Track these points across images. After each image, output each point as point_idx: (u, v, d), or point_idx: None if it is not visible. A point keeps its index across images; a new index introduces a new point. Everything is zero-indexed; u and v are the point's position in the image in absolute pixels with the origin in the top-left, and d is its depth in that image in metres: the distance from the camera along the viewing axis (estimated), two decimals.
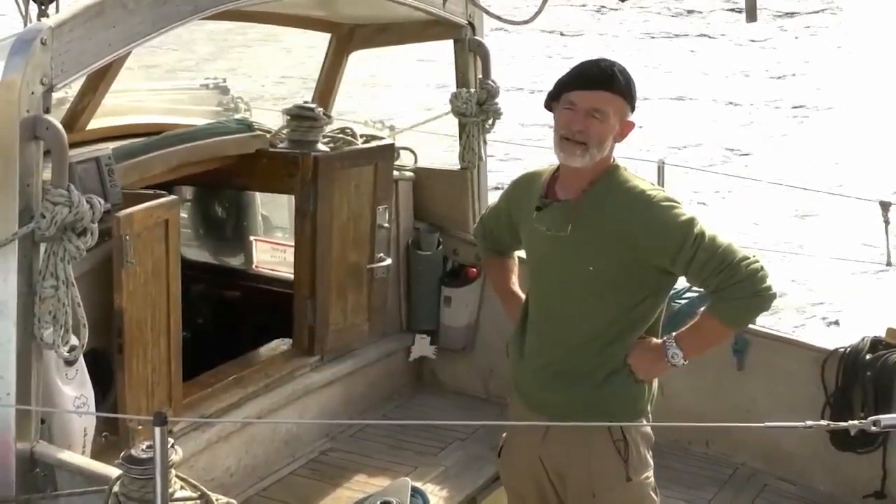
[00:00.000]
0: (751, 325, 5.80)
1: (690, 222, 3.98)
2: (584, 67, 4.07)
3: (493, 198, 7.14)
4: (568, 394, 4.13)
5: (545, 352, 4.20)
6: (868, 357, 5.38)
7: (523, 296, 4.43)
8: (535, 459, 4.23)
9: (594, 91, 3.99)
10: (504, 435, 4.46)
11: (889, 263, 6.54)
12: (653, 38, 27.85)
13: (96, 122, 5.63)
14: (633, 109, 4.09)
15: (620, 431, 4.11)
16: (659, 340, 4.17)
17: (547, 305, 4.22)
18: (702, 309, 4.27)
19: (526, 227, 4.26)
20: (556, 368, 4.16)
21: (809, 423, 3.22)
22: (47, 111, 3.93)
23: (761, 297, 3.99)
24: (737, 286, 3.96)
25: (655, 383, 4.28)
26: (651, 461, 4.23)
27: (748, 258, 3.99)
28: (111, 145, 5.14)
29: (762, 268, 3.99)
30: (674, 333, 4.14)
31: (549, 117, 4.14)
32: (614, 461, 4.11)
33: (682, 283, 6.26)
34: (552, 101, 4.11)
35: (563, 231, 4.06)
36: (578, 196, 4.07)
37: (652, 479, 4.24)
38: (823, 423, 3.51)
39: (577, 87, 4.02)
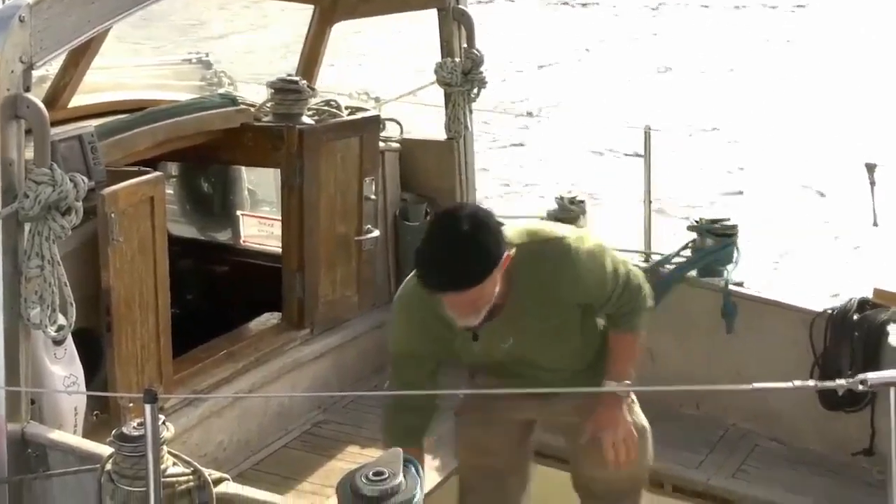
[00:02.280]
0: (739, 289, 5.85)
1: (604, 264, 4.11)
2: (444, 274, 3.82)
3: (481, 166, 7.19)
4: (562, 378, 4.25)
5: (525, 381, 4.28)
6: (855, 317, 5.40)
7: None
8: (526, 418, 4.41)
9: (462, 291, 3.81)
10: (462, 395, 4.52)
11: (875, 224, 6.53)
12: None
13: (78, 100, 5.60)
14: (500, 258, 3.83)
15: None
16: (612, 395, 4.23)
17: (521, 369, 4.26)
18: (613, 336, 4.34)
19: (452, 349, 4.17)
20: (539, 382, 4.25)
21: (798, 383, 3.23)
22: (28, 89, 3.91)
23: (647, 300, 4.29)
24: (639, 300, 4.25)
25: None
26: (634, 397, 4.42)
27: (636, 273, 4.24)
28: (94, 122, 5.12)
29: (641, 275, 4.28)
30: (606, 378, 4.24)
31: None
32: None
33: (666, 249, 6.33)
34: None
35: (504, 342, 4.10)
36: (503, 302, 3.97)
37: (638, 414, 4.43)
38: (811, 383, 3.52)
39: (445, 291, 3.85)
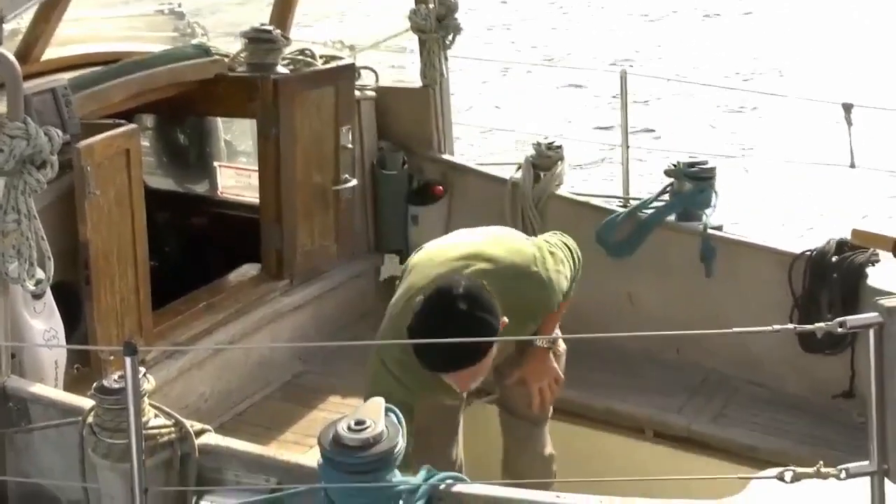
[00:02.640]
0: (717, 233, 5.86)
1: (564, 282, 4.36)
2: (433, 354, 3.88)
3: (458, 116, 7.16)
4: None
5: None
6: (834, 259, 5.41)
7: None
8: None
9: (459, 371, 3.95)
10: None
11: (853, 165, 6.55)
12: None
13: (51, 53, 5.55)
14: (498, 329, 3.92)
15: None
16: (536, 348, 4.47)
17: None
18: None
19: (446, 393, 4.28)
20: None
21: (777, 326, 3.23)
22: None
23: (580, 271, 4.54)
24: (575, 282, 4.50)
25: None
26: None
27: (572, 250, 4.49)
28: (67, 75, 5.08)
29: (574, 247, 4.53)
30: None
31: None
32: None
33: (645, 193, 6.33)
34: None
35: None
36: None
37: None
38: (791, 326, 3.54)
39: (446, 371, 3.99)
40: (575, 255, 4.50)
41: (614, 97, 7.05)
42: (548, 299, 4.33)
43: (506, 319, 3.98)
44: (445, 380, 4.03)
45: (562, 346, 4.64)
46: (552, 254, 4.40)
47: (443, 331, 3.80)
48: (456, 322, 3.85)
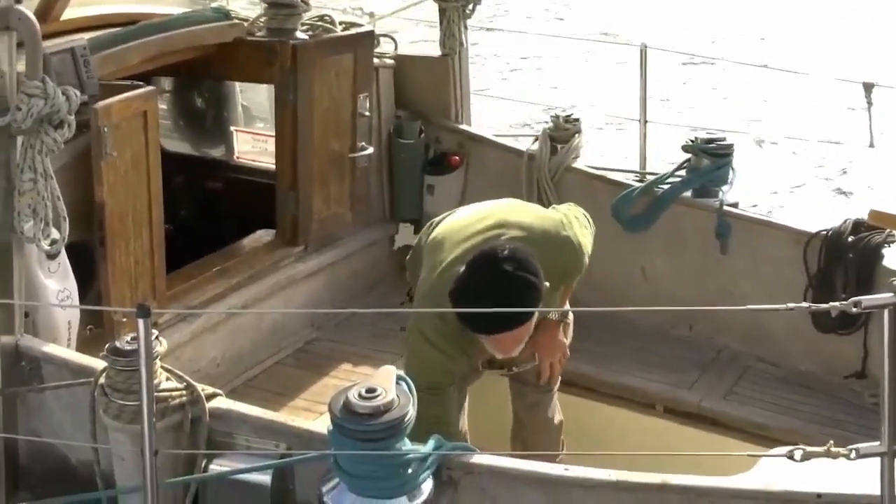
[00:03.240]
0: (733, 210, 5.84)
1: (585, 253, 4.34)
2: (489, 317, 3.84)
3: (476, 85, 7.14)
4: None
5: None
6: (850, 239, 5.39)
7: None
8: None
9: (506, 332, 3.92)
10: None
11: (872, 145, 6.52)
12: None
13: (70, 13, 5.53)
14: (542, 291, 3.93)
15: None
16: (548, 321, 4.38)
17: None
18: None
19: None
20: None
21: (791, 305, 3.22)
22: (19, 1, 3.86)
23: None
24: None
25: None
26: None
27: (589, 221, 4.47)
28: (86, 36, 5.06)
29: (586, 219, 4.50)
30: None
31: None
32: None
33: (661, 168, 6.31)
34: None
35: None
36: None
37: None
38: (805, 305, 3.52)
39: (490, 332, 3.95)
40: (591, 227, 4.49)
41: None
42: (580, 262, 4.32)
43: (547, 284, 3.97)
44: (487, 344, 3.99)
45: (569, 317, 4.61)
46: (576, 218, 4.40)
47: (490, 292, 3.84)
48: (504, 282, 3.85)
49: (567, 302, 4.55)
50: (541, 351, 4.45)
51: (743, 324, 5.76)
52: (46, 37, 4.20)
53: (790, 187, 11.85)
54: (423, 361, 4.08)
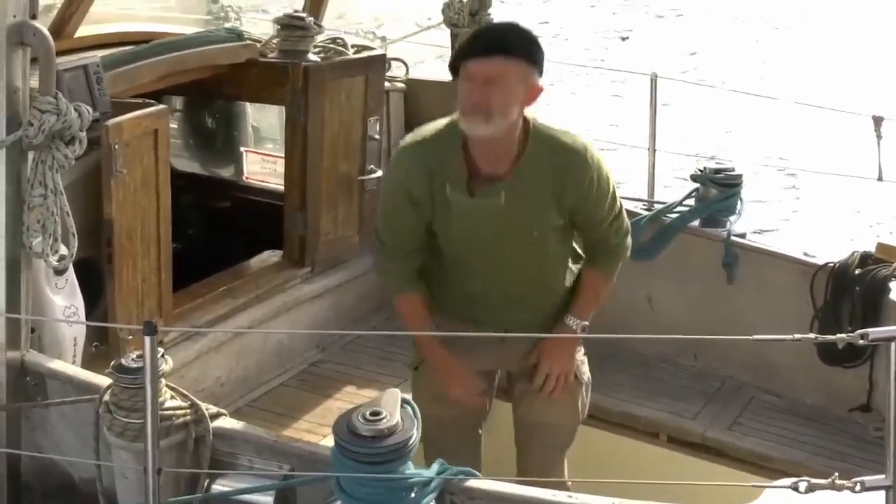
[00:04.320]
0: (741, 240, 5.84)
1: (610, 177, 4.08)
2: (480, 35, 3.92)
3: None
4: (528, 315, 4.23)
5: (503, 301, 4.20)
6: (857, 271, 5.38)
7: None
8: (485, 364, 4.34)
9: (490, 58, 3.79)
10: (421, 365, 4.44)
11: (880, 178, 6.51)
12: None
13: (84, 30, 5.56)
14: (540, 72, 3.88)
15: (574, 319, 4.28)
16: (565, 328, 4.22)
17: (489, 263, 4.16)
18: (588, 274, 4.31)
19: (443, 203, 4.05)
20: (504, 309, 4.21)
21: (798, 336, 3.22)
22: (34, 17, 3.89)
23: (628, 249, 4.29)
24: (622, 243, 4.23)
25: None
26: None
27: (624, 213, 4.21)
28: (100, 53, 5.09)
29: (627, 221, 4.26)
30: (569, 314, 4.24)
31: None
32: (577, 343, 4.33)
33: (671, 196, 6.31)
34: (454, 74, 3.94)
35: (497, 200, 3.98)
36: (510, 170, 3.97)
37: (587, 371, 4.42)
38: (811, 336, 3.52)
39: (472, 56, 3.82)
40: (625, 218, 4.25)
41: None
42: (592, 185, 4.02)
43: (534, 120, 3.97)
44: (465, 96, 3.85)
45: (585, 374, 4.42)
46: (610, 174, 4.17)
47: (498, 25, 4.00)
48: (511, 24, 3.90)
49: (590, 316, 4.31)
50: (545, 354, 4.26)
51: (748, 354, 5.75)
52: (60, 53, 4.22)
53: (798, 219, 11.84)
54: (393, 173, 4.22)
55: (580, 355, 4.38)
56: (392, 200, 4.21)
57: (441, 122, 4.09)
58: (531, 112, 3.99)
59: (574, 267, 4.28)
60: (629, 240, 4.26)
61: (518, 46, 3.84)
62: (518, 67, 3.83)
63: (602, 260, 4.25)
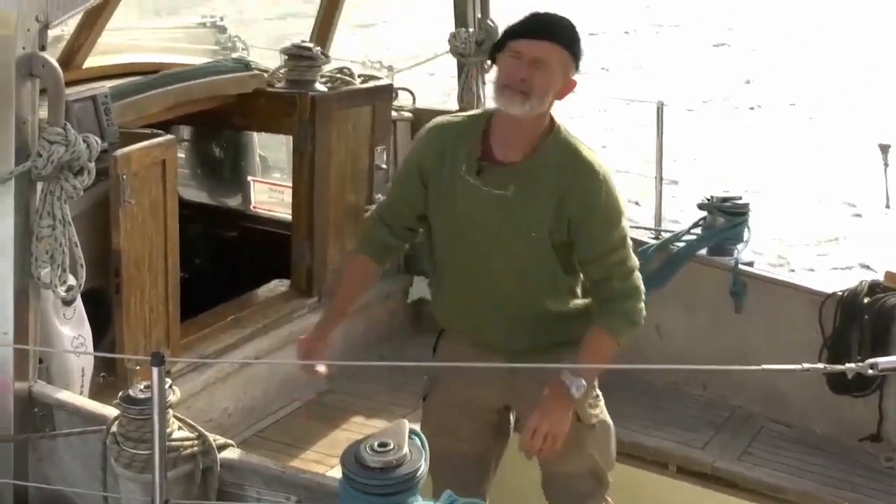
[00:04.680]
0: (749, 269, 5.83)
1: (623, 213, 4.01)
2: (533, 17, 3.93)
3: None
4: (528, 336, 4.11)
5: (498, 309, 4.11)
6: (866, 300, 5.37)
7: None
8: (490, 396, 4.23)
9: (541, 41, 3.85)
10: (427, 378, 4.41)
11: (888, 206, 6.51)
12: None
13: (93, 61, 5.59)
14: (577, 68, 3.94)
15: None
16: (560, 385, 3.98)
17: (485, 262, 4.08)
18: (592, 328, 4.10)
19: (446, 183, 4.05)
20: (512, 316, 4.10)
21: (806, 365, 3.21)
22: (43, 48, 3.89)
23: (642, 316, 4.09)
24: (632, 300, 4.05)
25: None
26: (599, 393, 4.26)
27: (639, 275, 4.07)
28: (108, 84, 5.10)
29: (642, 286, 4.08)
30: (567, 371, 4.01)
31: None
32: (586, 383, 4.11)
33: (677, 226, 6.30)
34: (497, 52, 3.95)
35: (505, 190, 3.95)
36: (524, 158, 3.95)
37: (601, 411, 4.25)
38: (820, 366, 3.52)
39: (524, 36, 3.87)
40: (636, 272, 4.10)
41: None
42: (601, 204, 3.93)
43: (558, 123, 3.98)
44: (505, 74, 3.86)
45: (595, 417, 4.21)
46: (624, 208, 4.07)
47: (545, 13, 3.91)
48: (558, 15, 3.91)
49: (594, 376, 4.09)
50: (538, 408, 3.98)
51: (757, 384, 5.74)
52: (69, 84, 4.23)
53: (806, 247, 11.83)
54: (413, 144, 4.23)
55: (591, 397, 4.19)
56: (401, 172, 4.28)
57: (472, 111, 4.18)
58: (560, 118, 4.02)
59: (578, 301, 4.14)
60: (641, 302, 4.06)
61: (568, 37, 3.90)
62: (564, 57, 3.88)
63: (606, 313, 4.05)
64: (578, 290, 4.15)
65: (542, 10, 3.93)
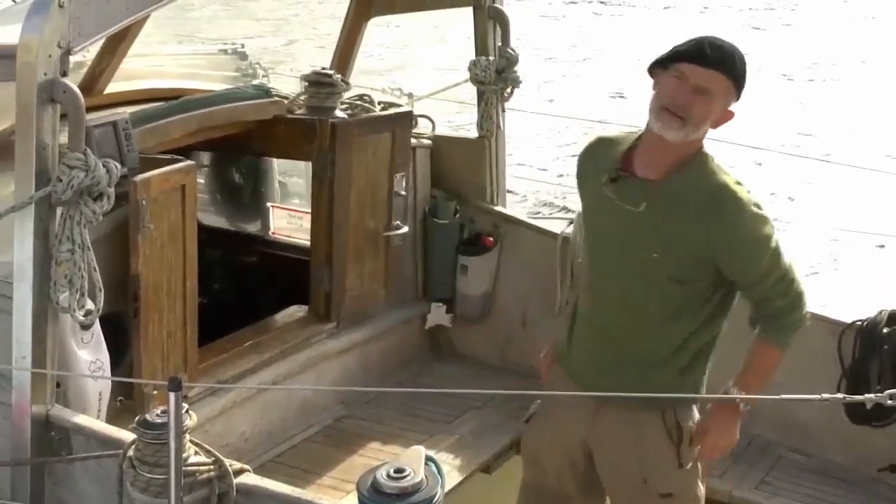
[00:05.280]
0: None
1: (771, 237, 3.94)
2: (704, 43, 3.86)
3: (511, 165, 7.18)
4: (617, 379, 4.03)
5: (595, 335, 4.11)
6: (885, 330, 5.35)
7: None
8: (576, 436, 4.18)
9: (709, 70, 3.81)
10: (538, 402, 4.38)
11: None
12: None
13: (114, 87, 5.62)
14: (738, 98, 3.92)
15: (674, 418, 4.10)
16: (731, 403, 4.08)
17: (602, 287, 4.10)
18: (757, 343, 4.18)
19: (591, 193, 4.08)
20: (607, 354, 4.08)
21: (826, 395, 3.21)
22: (64, 74, 3.92)
23: (805, 320, 4.12)
24: (796, 311, 4.06)
25: (706, 376, 4.20)
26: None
27: (799, 280, 4.03)
28: (129, 109, 5.13)
29: (804, 288, 4.05)
30: (733, 384, 4.12)
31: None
32: (667, 448, 4.10)
33: None
34: (658, 68, 3.93)
35: (636, 206, 3.92)
36: (662, 177, 3.92)
37: (698, 463, 4.22)
38: (839, 396, 3.50)
39: (692, 61, 3.82)
40: (798, 278, 4.07)
41: None
42: (742, 239, 3.90)
43: (714, 157, 3.95)
44: (664, 97, 3.85)
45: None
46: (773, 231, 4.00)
47: (714, 39, 3.88)
48: (727, 42, 3.89)
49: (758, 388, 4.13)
50: (705, 438, 4.13)
51: (776, 412, 5.71)
52: (90, 109, 4.26)
53: (825, 276, 11.79)
54: None
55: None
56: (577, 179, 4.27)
57: (632, 129, 4.15)
58: (712, 150, 4.01)
59: (680, 357, 4.09)
60: (804, 308, 4.07)
61: (736, 69, 3.87)
62: (727, 87, 3.86)
63: (771, 329, 4.11)
64: (687, 345, 4.10)
65: (713, 36, 3.90)
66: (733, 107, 3.95)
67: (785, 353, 4.06)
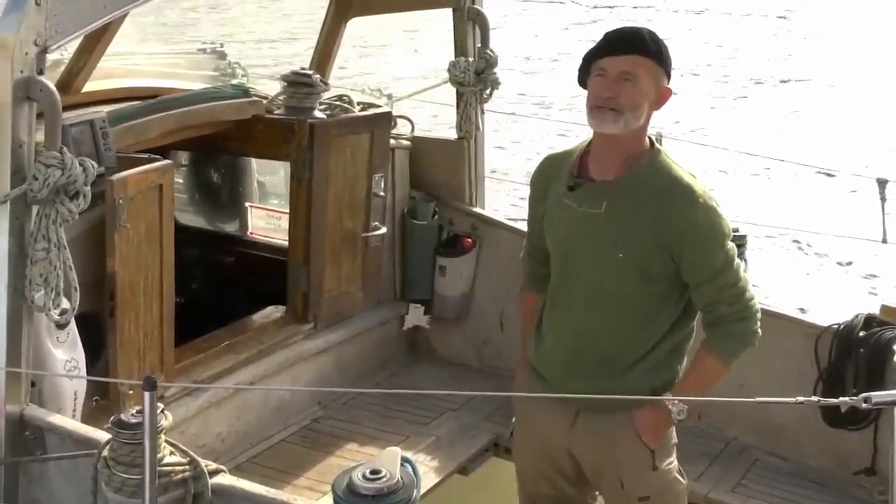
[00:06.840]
0: None
1: (727, 234, 3.96)
2: (612, 33, 3.93)
3: (490, 165, 7.18)
4: (591, 383, 4.00)
5: (567, 338, 4.10)
6: (861, 334, 5.37)
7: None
8: (560, 445, 4.18)
9: (624, 55, 3.85)
10: (514, 419, 4.38)
11: (885, 241, 6.51)
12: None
13: (91, 85, 5.59)
14: (668, 76, 3.93)
15: None
16: (663, 403, 4.02)
17: (570, 290, 4.09)
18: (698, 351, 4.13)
19: (553, 207, 4.09)
20: (578, 356, 4.07)
21: (801, 398, 3.22)
22: (41, 72, 3.90)
23: (755, 337, 4.06)
24: (743, 322, 4.01)
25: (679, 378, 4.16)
26: (674, 441, 4.22)
27: (752, 294, 4.02)
28: (106, 108, 5.12)
29: (757, 305, 4.03)
30: (670, 392, 4.06)
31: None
32: (640, 450, 4.09)
33: None
34: (584, 76, 3.96)
35: (596, 208, 3.94)
36: (618, 175, 3.94)
37: (675, 461, 4.23)
38: (815, 399, 3.51)
39: (606, 54, 3.88)
40: (749, 290, 4.03)
41: None
42: (698, 228, 3.89)
43: (661, 147, 3.97)
44: (595, 90, 3.88)
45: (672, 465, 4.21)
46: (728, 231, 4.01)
47: (631, 27, 3.96)
48: (643, 28, 3.94)
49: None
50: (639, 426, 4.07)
51: (752, 416, 5.72)
52: (67, 108, 4.25)
53: (802, 281, 11.84)
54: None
55: (670, 444, 4.18)
56: (529, 205, 4.33)
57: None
58: (662, 145, 4.03)
59: (653, 355, 4.05)
60: (754, 323, 4.02)
61: (650, 47, 3.89)
62: (650, 66, 3.88)
63: (715, 336, 4.04)
64: (660, 345, 4.06)
65: (619, 27, 3.95)
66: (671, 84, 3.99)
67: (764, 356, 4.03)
